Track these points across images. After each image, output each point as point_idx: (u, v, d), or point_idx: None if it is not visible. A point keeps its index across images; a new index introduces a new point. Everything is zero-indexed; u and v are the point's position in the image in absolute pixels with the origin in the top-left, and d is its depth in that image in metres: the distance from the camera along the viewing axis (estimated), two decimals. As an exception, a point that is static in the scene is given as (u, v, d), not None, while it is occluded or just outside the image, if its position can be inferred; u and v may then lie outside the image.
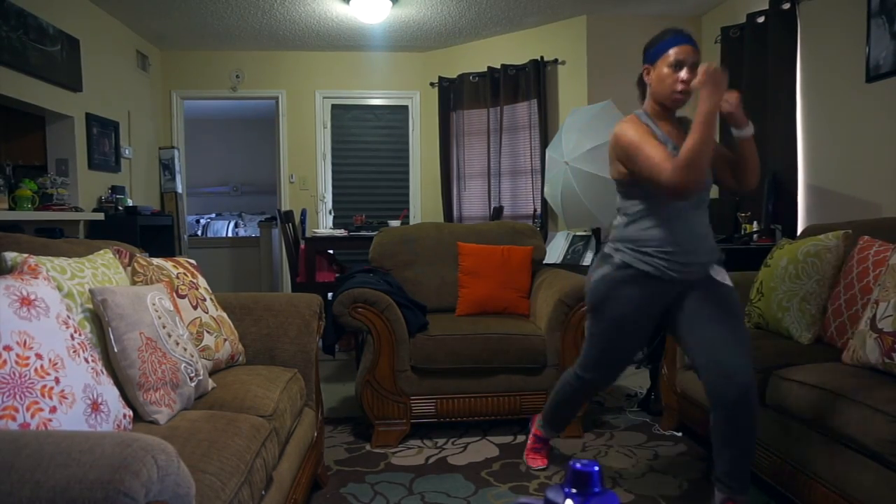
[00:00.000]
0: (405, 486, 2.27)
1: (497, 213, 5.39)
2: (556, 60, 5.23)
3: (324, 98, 6.12)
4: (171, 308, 1.71)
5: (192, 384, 1.62)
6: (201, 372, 1.68)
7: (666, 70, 1.89)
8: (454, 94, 5.77)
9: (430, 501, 2.14)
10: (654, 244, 1.93)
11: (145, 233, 4.71)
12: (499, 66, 5.41)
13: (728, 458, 1.86)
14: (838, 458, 1.74)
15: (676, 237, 1.92)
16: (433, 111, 5.99)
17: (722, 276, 1.98)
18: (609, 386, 2.24)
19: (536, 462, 2.43)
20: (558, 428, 2.40)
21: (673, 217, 1.92)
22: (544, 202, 5.18)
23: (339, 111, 6.19)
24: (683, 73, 1.87)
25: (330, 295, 3.44)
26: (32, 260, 1.39)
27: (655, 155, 1.81)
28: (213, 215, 9.20)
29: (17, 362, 1.10)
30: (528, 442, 2.49)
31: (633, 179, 1.93)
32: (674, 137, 1.95)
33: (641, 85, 2.02)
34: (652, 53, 1.93)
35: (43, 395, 1.11)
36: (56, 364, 1.16)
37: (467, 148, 5.75)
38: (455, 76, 5.74)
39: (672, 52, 1.87)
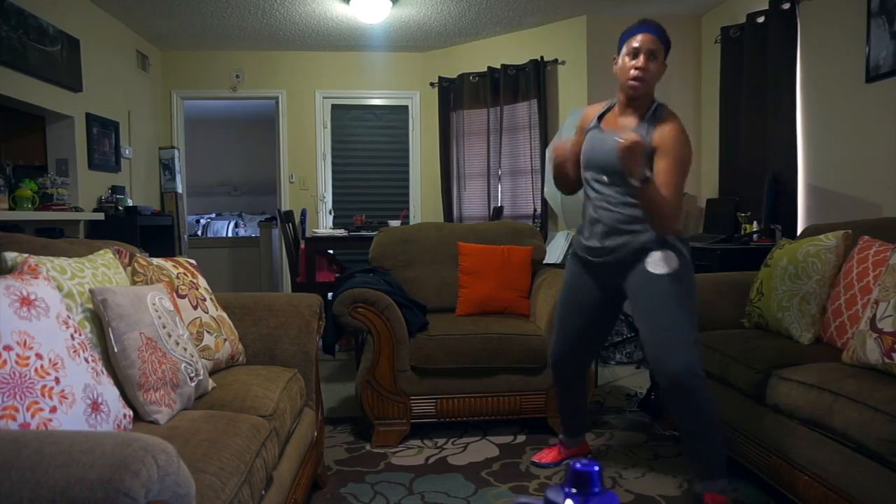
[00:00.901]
0: (405, 486, 2.27)
1: (497, 213, 5.39)
2: (556, 60, 5.22)
3: (324, 98, 6.12)
4: (171, 308, 1.71)
5: (192, 384, 1.62)
6: (201, 372, 1.68)
7: (626, 58, 1.96)
8: (454, 94, 5.77)
9: (430, 501, 2.14)
10: (582, 227, 2.15)
11: (145, 233, 4.71)
12: (499, 66, 5.41)
13: (686, 443, 1.94)
14: (838, 458, 1.74)
15: (587, 219, 2.10)
16: (433, 111, 5.99)
17: (654, 263, 1.94)
18: (574, 369, 2.26)
19: (541, 456, 2.45)
20: (567, 431, 2.43)
21: (592, 203, 2.07)
22: (544, 202, 5.18)
23: (339, 111, 6.19)
24: (639, 61, 1.91)
25: (330, 295, 3.44)
26: (32, 260, 1.39)
27: (556, 148, 2.14)
28: (213, 215, 9.19)
29: (17, 362, 1.10)
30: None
31: None
32: (610, 126, 2.05)
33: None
34: (619, 44, 2.00)
35: (43, 395, 1.11)
36: (56, 364, 1.16)
37: (467, 148, 5.75)
38: (455, 76, 5.74)
39: (632, 40, 1.94)
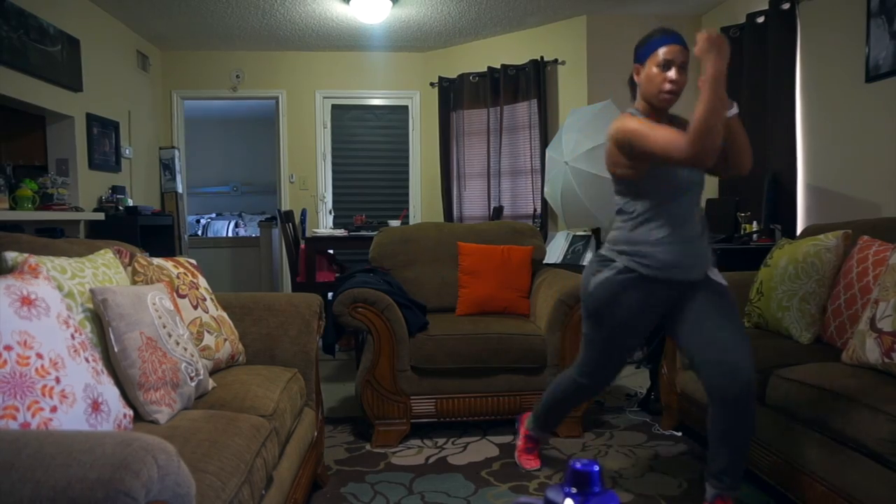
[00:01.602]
0: (405, 485, 2.27)
1: (497, 213, 5.39)
2: (556, 60, 5.23)
3: (324, 98, 6.12)
4: (172, 308, 1.71)
5: (193, 384, 1.62)
6: (201, 372, 1.68)
7: (655, 70, 1.88)
8: (454, 94, 5.77)
9: (430, 501, 2.14)
10: (659, 246, 1.91)
11: (145, 233, 4.71)
12: (499, 66, 5.41)
13: (725, 455, 1.88)
14: (838, 458, 1.74)
15: (680, 238, 1.91)
16: (433, 111, 5.99)
17: (717, 276, 2.00)
18: (605, 388, 2.25)
19: (530, 463, 2.42)
20: (549, 428, 2.40)
21: (674, 218, 1.91)
22: (544, 202, 5.18)
23: (339, 111, 6.19)
24: (672, 73, 1.86)
25: (330, 295, 3.45)
26: (33, 260, 1.39)
27: (665, 135, 1.77)
28: (213, 215, 9.20)
29: (17, 362, 1.10)
30: (520, 443, 2.48)
31: (637, 179, 1.91)
32: None
33: (632, 84, 2.01)
34: (641, 53, 1.92)
35: (43, 395, 1.11)
36: (56, 364, 1.16)
37: (467, 148, 5.75)
38: (455, 76, 5.74)
39: (661, 52, 1.86)
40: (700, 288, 1.96)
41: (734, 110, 1.86)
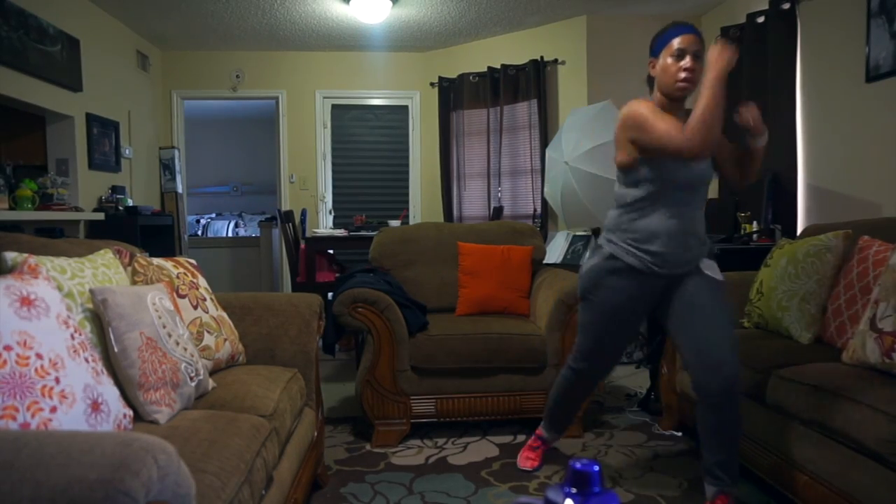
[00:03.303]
0: (405, 485, 2.27)
1: (497, 213, 5.39)
2: (556, 60, 5.22)
3: (324, 98, 6.12)
4: (172, 308, 1.71)
5: (193, 384, 1.62)
6: (201, 372, 1.68)
7: (669, 60, 1.90)
8: (454, 94, 5.77)
9: (430, 501, 2.14)
10: (642, 237, 1.96)
11: (145, 233, 4.71)
12: (499, 66, 5.41)
13: (716, 450, 1.90)
14: (838, 458, 1.74)
15: (666, 232, 1.94)
16: (433, 111, 5.99)
17: (711, 270, 2.00)
18: (601, 379, 2.28)
19: (528, 462, 2.41)
20: (557, 429, 2.41)
21: (666, 210, 1.93)
22: (544, 202, 5.18)
23: (339, 111, 6.19)
24: (686, 62, 1.87)
25: (330, 295, 3.44)
26: (33, 260, 1.39)
27: (666, 126, 1.83)
28: (213, 215, 9.20)
29: (17, 362, 1.10)
30: (528, 442, 2.49)
31: (639, 166, 1.93)
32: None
33: (650, 81, 2.02)
34: (657, 46, 1.95)
35: (43, 395, 1.11)
36: (56, 364, 1.16)
37: (467, 148, 5.75)
38: (455, 76, 5.74)
39: (675, 42, 1.89)
40: (690, 282, 1.98)
41: (764, 140, 1.95)
